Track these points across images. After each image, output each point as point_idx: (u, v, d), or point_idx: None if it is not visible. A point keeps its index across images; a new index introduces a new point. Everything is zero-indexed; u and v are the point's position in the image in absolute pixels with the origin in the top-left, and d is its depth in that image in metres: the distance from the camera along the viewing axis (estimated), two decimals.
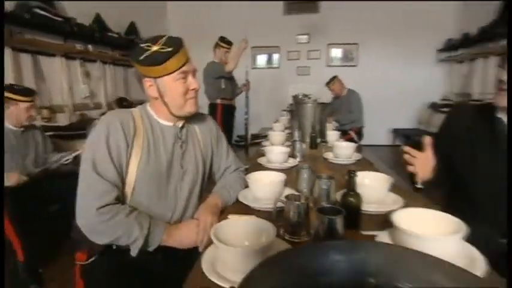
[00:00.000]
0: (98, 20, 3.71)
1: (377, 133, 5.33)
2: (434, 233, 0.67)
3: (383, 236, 0.77)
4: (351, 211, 0.84)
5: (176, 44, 0.91)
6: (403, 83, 5.34)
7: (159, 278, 0.96)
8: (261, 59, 5.85)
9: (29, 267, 1.71)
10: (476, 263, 0.62)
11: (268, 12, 5.42)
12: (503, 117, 0.97)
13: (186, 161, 1.03)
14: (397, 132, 5.52)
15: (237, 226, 0.73)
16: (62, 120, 3.20)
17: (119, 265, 0.91)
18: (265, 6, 5.37)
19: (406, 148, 1.07)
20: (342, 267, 0.57)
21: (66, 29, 3.14)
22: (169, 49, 0.89)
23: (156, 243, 0.88)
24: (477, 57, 4.34)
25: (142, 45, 0.92)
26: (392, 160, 4.62)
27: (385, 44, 5.31)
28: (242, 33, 3.62)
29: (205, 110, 3.00)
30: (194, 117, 1.09)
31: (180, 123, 1.04)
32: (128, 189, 0.93)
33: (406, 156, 1.06)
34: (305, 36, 5.55)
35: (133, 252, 0.86)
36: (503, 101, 0.93)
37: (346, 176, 0.90)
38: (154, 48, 0.89)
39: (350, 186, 0.89)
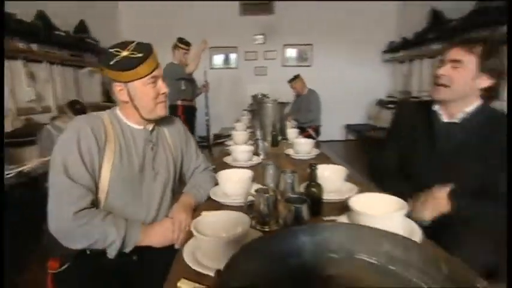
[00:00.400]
0: (41, 16, 3.44)
1: (331, 129, 5.67)
2: (383, 212, 0.79)
3: (342, 220, 0.89)
4: (314, 200, 0.95)
5: (147, 50, 0.93)
6: (353, 82, 5.74)
7: (136, 279, 0.98)
8: (218, 59, 5.87)
9: None
10: (415, 233, 0.76)
11: (225, 13, 5.46)
12: (437, 109, 1.14)
13: (158, 163, 1.06)
14: (349, 127, 5.93)
15: (214, 219, 0.79)
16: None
17: (94, 270, 0.92)
18: (221, 7, 5.41)
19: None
20: (308, 248, 0.67)
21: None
22: (140, 55, 0.92)
23: (132, 244, 0.90)
24: (414, 59, 4.85)
25: (111, 50, 0.93)
26: (346, 154, 4.97)
27: (337, 46, 5.65)
28: (199, 34, 3.64)
29: None
30: (163, 120, 1.12)
31: (150, 126, 1.07)
32: (101, 194, 0.93)
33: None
34: (261, 37, 5.69)
35: (111, 254, 0.87)
36: (437, 94, 1.10)
37: (308, 169, 1.00)
38: (124, 53, 0.91)
39: (312, 178, 1.00)
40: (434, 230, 0.87)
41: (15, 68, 3.14)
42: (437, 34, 4.13)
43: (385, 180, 1.19)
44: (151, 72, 0.95)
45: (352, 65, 5.73)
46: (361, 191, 1.10)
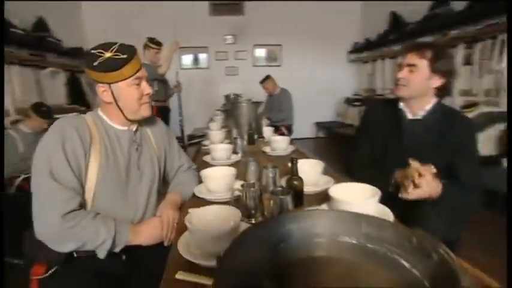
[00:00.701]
0: None
1: (303, 127, 5.85)
2: (359, 198, 0.88)
3: (323, 208, 0.96)
4: (296, 192, 1.02)
5: (130, 51, 0.95)
6: (321, 81, 5.97)
7: (126, 279, 0.99)
8: (188, 60, 5.82)
9: None
10: (387, 215, 0.86)
11: (195, 13, 5.42)
12: (403, 107, 1.27)
13: (143, 163, 1.07)
14: (319, 125, 6.15)
15: (206, 213, 0.82)
16: None
17: (83, 272, 0.91)
18: (191, 7, 5.36)
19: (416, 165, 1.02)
20: (296, 233, 0.74)
21: None
22: (124, 56, 0.93)
23: (123, 243, 0.91)
24: (377, 59, 5.15)
25: (93, 51, 0.93)
26: (317, 150, 5.15)
27: (305, 46, 5.84)
28: (168, 34, 3.61)
29: None
30: (146, 121, 1.13)
31: (133, 127, 1.07)
32: (88, 195, 0.93)
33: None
34: (231, 37, 5.72)
35: (102, 254, 0.87)
36: (398, 92, 1.23)
37: (289, 163, 1.07)
38: (108, 54, 0.92)
39: (293, 172, 1.07)
40: (402, 210, 0.97)
41: None
42: (397, 36, 4.43)
43: (360, 172, 1.29)
44: (135, 73, 0.97)
45: (320, 65, 5.95)
46: (337, 182, 1.20)
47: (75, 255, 0.92)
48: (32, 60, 3.70)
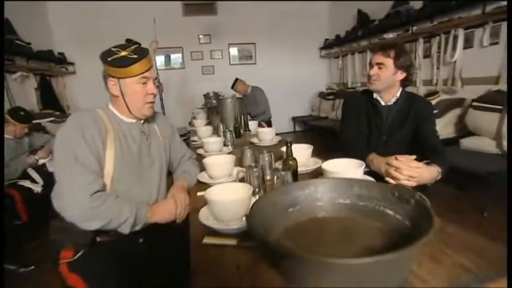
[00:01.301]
0: None
1: (280, 122, 6.04)
2: (348, 169, 1.04)
3: None
4: (291, 171, 1.16)
5: (142, 53, 1.05)
6: (295, 76, 6.19)
7: (143, 258, 1.09)
8: (163, 60, 5.79)
9: None
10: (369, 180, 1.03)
11: (168, 14, 5.41)
12: (377, 97, 1.50)
13: (152, 151, 1.17)
14: (295, 119, 6.38)
15: (221, 189, 0.94)
16: None
17: (105, 255, 1.00)
18: (164, 7, 5.35)
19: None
20: (301, 199, 0.89)
21: None
22: (135, 56, 1.03)
23: (142, 221, 1.00)
24: (347, 54, 5.45)
25: (113, 49, 1.03)
26: (296, 142, 5.34)
27: (278, 44, 6.02)
28: (142, 34, 3.64)
29: None
30: (152, 116, 1.22)
31: (142, 120, 1.17)
32: (107, 179, 1.02)
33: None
34: (206, 37, 5.78)
35: (126, 230, 0.97)
36: (371, 86, 1.47)
37: (285, 146, 1.22)
38: (123, 53, 1.02)
39: (288, 153, 1.21)
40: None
41: None
42: (364, 32, 4.73)
43: (349, 151, 1.47)
44: (142, 73, 1.06)
45: (293, 61, 6.17)
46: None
47: (99, 239, 1.01)
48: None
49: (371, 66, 1.46)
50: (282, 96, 6.01)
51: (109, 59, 1.01)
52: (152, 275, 1.08)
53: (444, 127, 3.21)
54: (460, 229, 0.79)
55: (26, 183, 2.42)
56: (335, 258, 0.54)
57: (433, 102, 3.27)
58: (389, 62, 1.39)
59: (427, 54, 3.81)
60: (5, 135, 2.46)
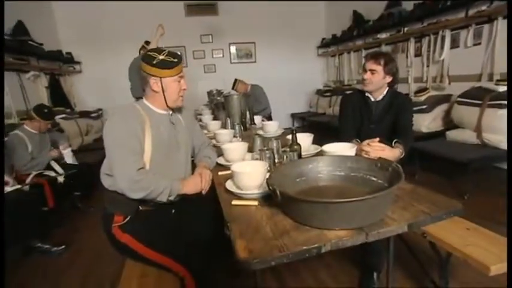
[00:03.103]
0: None
1: (280, 119, 6.22)
2: (343, 150, 1.30)
3: None
4: (297, 153, 1.41)
5: (179, 57, 1.30)
6: (294, 74, 6.44)
7: (175, 224, 1.34)
8: None
9: None
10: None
11: (171, 14, 5.62)
12: (368, 95, 1.79)
13: (179, 138, 1.41)
14: (294, 116, 6.63)
15: (243, 165, 1.19)
16: None
17: (148, 219, 1.25)
18: (167, 8, 5.57)
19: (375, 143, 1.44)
20: (306, 171, 1.14)
21: None
22: (175, 60, 1.27)
23: (176, 191, 1.24)
24: (343, 53, 5.70)
25: (150, 53, 1.26)
26: None
27: (277, 42, 6.26)
28: (146, 35, 3.85)
29: None
30: (177, 107, 1.46)
31: (170, 112, 1.40)
32: (147, 160, 1.25)
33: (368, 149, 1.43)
34: (207, 36, 6.01)
35: (163, 198, 1.20)
36: (365, 87, 1.76)
37: (290, 133, 1.46)
38: (161, 57, 1.25)
39: (293, 140, 1.46)
40: None
41: None
42: (359, 32, 4.98)
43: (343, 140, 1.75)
44: (179, 73, 1.30)
45: (292, 60, 6.42)
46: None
47: (141, 208, 1.25)
48: (15, 64, 3.76)
49: (364, 71, 1.74)
50: (281, 94, 6.25)
51: (154, 62, 1.23)
52: (181, 239, 1.33)
53: (433, 121, 3.47)
54: (427, 191, 1.04)
55: (51, 174, 2.65)
56: (330, 199, 0.80)
57: (423, 98, 3.54)
58: (379, 69, 1.69)
59: (418, 53, 4.07)
60: (31, 130, 2.68)
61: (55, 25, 5.32)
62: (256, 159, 1.37)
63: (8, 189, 2.20)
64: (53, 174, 2.68)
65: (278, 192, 0.87)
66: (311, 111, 6.42)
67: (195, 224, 1.38)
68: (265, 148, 1.39)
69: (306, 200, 0.85)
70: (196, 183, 1.30)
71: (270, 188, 0.91)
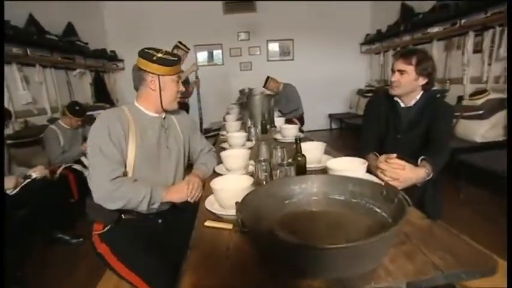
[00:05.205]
0: (32, 21, 3.54)
1: (316, 119, 5.99)
2: (353, 165, 1.08)
3: None
4: (300, 166, 1.22)
5: (177, 56, 1.22)
6: (334, 73, 6.07)
7: (161, 236, 1.24)
8: (203, 56, 6.05)
9: None
10: (374, 180, 1.05)
11: (209, 13, 5.65)
12: (398, 99, 1.53)
13: (170, 143, 1.31)
14: (332, 116, 6.27)
15: (226, 180, 1.04)
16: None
17: (131, 229, 1.17)
18: (206, 7, 5.60)
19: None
20: (297, 192, 0.95)
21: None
22: (174, 58, 1.20)
23: (158, 199, 1.14)
24: (388, 49, 5.20)
25: (149, 50, 1.19)
26: (330, 141, 5.29)
27: (316, 40, 5.95)
28: (185, 33, 3.88)
29: None
30: (172, 111, 1.37)
31: (163, 115, 1.31)
32: (129, 168, 1.18)
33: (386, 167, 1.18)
34: (245, 34, 5.92)
35: (144, 207, 1.11)
36: (393, 91, 1.49)
37: (294, 142, 1.27)
38: (159, 55, 1.18)
39: (297, 150, 1.27)
40: None
41: (10, 73, 3.26)
42: (408, 27, 4.48)
43: (362, 152, 1.50)
44: (177, 73, 1.24)
45: (332, 57, 6.05)
46: None
47: (123, 217, 1.17)
48: (63, 62, 4.05)
49: (393, 72, 1.48)
50: (319, 93, 5.95)
51: (154, 58, 1.17)
52: (168, 252, 1.22)
53: (491, 129, 2.96)
54: (449, 232, 0.79)
55: (78, 167, 2.77)
56: (310, 243, 0.61)
57: (479, 102, 3.04)
58: (410, 69, 1.41)
59: (477, 49, 3.51)
60: (64, 126, 2.84)
61: (103, 24, 5.65)
62: (252, 172, 1.21)
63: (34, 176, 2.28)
64: (80, 168, 2.79)
65: (240, 222, 0.70)
66: (351, 113, 6.00)
67: (183, 238, 1.26)
68: (262, 159, 1.22)
69: (272, 238, 0.67)
70: (181, 191, 1.20)
71: (236, 215, 0.75)
